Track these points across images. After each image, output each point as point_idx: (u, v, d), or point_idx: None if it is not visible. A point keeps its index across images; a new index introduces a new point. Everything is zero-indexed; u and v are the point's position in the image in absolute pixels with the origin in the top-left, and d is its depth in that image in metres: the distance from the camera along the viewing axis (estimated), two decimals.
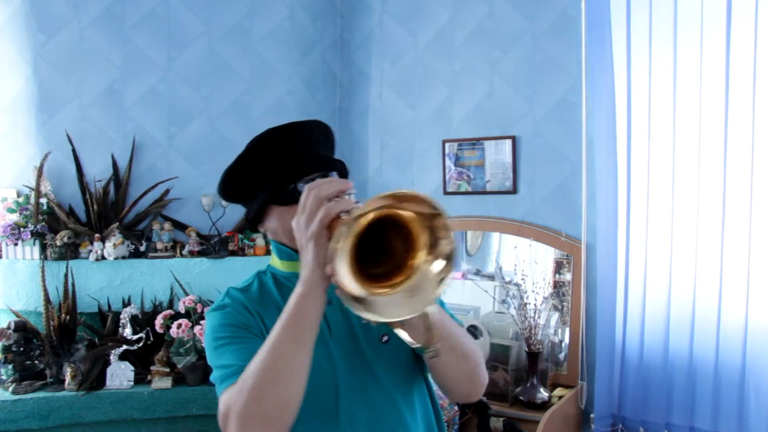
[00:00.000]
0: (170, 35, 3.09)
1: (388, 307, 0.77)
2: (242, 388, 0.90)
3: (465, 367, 1.04)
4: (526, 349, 2.61)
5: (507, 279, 2.86)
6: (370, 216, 0.77)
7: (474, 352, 1.06)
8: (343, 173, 1.14)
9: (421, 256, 0.79)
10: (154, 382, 2.73)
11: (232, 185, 1.16)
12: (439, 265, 0.79)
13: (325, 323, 1.07)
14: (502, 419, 2.51)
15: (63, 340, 2.74)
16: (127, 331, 2.75)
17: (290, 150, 1.10)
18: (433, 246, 0.79)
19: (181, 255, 2.97)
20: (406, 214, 0.78)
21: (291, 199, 1.07)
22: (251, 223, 1.19)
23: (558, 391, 2.61)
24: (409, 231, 0.80)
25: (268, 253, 3.07)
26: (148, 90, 3.07)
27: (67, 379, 2.67)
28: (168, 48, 3.09)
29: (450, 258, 0.79)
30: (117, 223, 2.91)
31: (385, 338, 1.10)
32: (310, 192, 0.90)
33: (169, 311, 2.81)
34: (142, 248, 2.97)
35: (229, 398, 0.92)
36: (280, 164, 1.10)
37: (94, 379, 2.69)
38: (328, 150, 1.20)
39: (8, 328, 2.69)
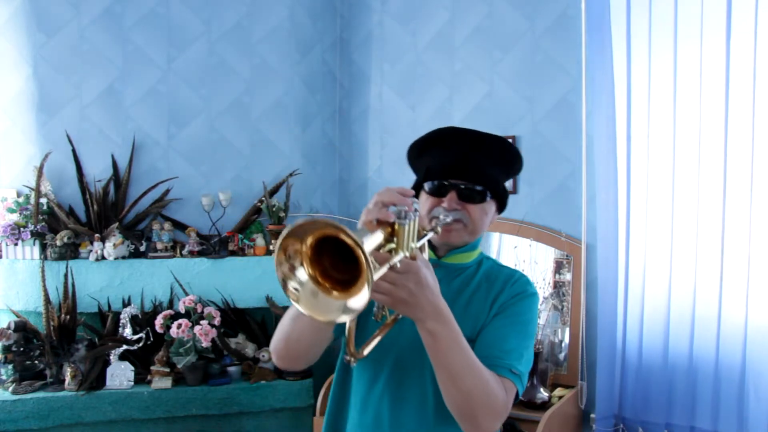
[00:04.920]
0: (170, 35, 3.09)
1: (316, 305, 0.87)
2: (277, 329, 1.21)
3: (461, 403, 1.04)
4: None
5: None
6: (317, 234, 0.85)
7: (479, 396, 1.04)
8: (494, 193, 1.22)
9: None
10: (154, 382, 2.73)
11: (410, 154, 1.31)
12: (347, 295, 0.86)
13: None
14: None
15: (63, 340, 2.74)
16: (127, 331, 2.75)
17: (453, 150, 1.22)
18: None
19: (181, 255, 2.97)
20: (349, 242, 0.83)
21: (429, 190, 1.22)
22: (414, 189, 1.28)
23: (558, 391, 2.61)
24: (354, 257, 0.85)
25: (268, 253, 3.07)
26: (148, 90, 3.07)
27: (67, 379, 2.67)
28: (168, 48, 3.09)
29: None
30: (117, 223, 2.91)
31: None
32: (379, 192, 1.01)
33: (169, 311, 2.81)
34: (142, 248, 2.97)
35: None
36: (440, 158, 1.22)
37: (94, 379, 2.69)
38: (498, 168, 1.24)
39: (8, 328, 2.69)
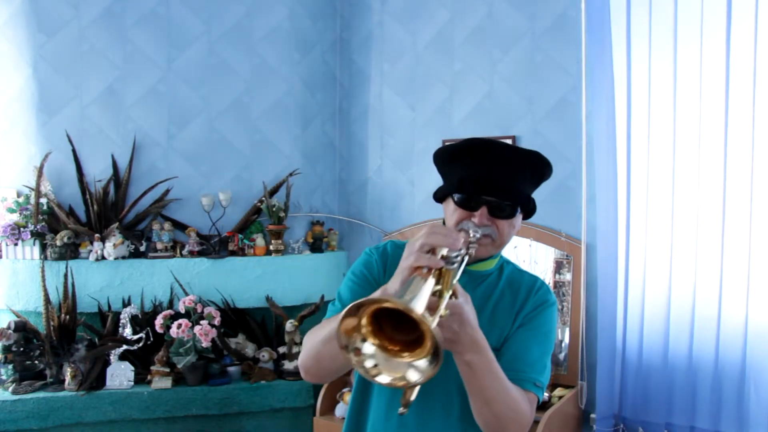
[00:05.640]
0: (170, 35, 3.09)
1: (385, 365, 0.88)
2: (306, 342, 1.21)
3: (492, 422, 1.10)
4: None
5: None
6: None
7: (509, 416, 1.09)
8: (523, 208, 1.23)
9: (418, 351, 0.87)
10: (154, 382, 2.73)
11: (440, 157, 1.29)
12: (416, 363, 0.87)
13: None
14: None
15: (63, 340, 2.74)
16: (127, 331, 2.75)
17: (487, 165, 1.20)
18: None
19: (181, 255, 2.97)
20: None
21: (457, 202, 1.21)
22: (436, 196, 1.30)
23: (558, 391, 2.61)
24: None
25: (268, 253, 3.08)
26: (148, 90, 3.07)
27: (67, 379, 2.67)
28: (168, 48, 3.09)
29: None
30: (117, 223, 2.91)
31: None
32: (427, 234, 1.01)
33: (169, 311, 2.81)
34: (142, 248, 2.97)
35: (305, 340, 1.22)
36: (472, 171, 1.20)
37: (94, 379, 2.69)
38: (527, 183, 1.24)
39: (8, 328, 2.69)
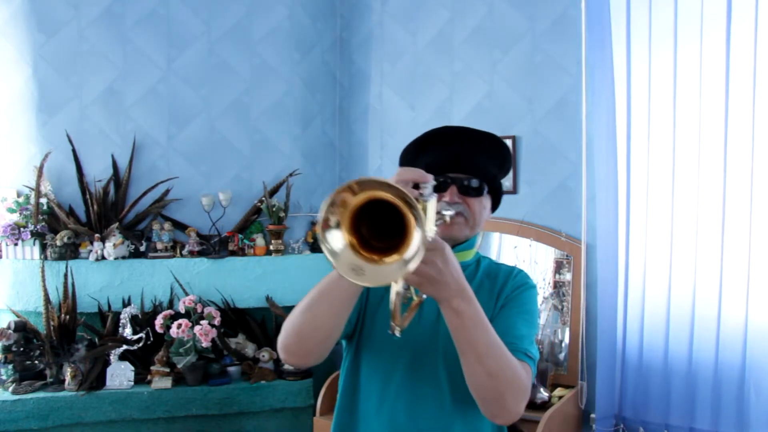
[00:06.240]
0: (170, 35, 3.09)
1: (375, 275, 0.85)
2: (285, 323, 1.15)
3: (488, 384, 1.04)
4: None
5: None
6: (362, 197, 0.84)
7: (505, 375, 1.04)
8: (491, 188, 1.27)
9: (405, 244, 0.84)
10: (154, 382, 2.73)
11: (406, 157, 1.33)
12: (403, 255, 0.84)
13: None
14: None
15: (63, 340, 2.74)
16: (127, 331, 2.75)
17: (452, 147, 1.27)
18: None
19: (181, 255, 2.97)
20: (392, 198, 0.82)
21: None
22: None
23: (558, 391, 2.61)
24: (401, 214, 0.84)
25: (268, 253, 3.08)
26: (148, 90, 3.07)
27: (67, 379, 2.67)
28: (168, 48, 3.09)
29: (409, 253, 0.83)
30: (117, 223, 2.91)
31: None
32: (397, 174, 0.99)
33: (169, 311, 2.81)
34: (142, 248, 2.97)
35: (284, 324, 1.16)
36: (438, 155, 1.25)
37: (94, 379, 2.69)
38: (492, 163, 1.29)
39: (8, 328, 2.69)
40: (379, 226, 0.86)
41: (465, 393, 1.09)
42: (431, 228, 0.93)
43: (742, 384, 2.28)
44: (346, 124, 3.53)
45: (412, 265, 0.83)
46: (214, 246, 3.05)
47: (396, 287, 0.92)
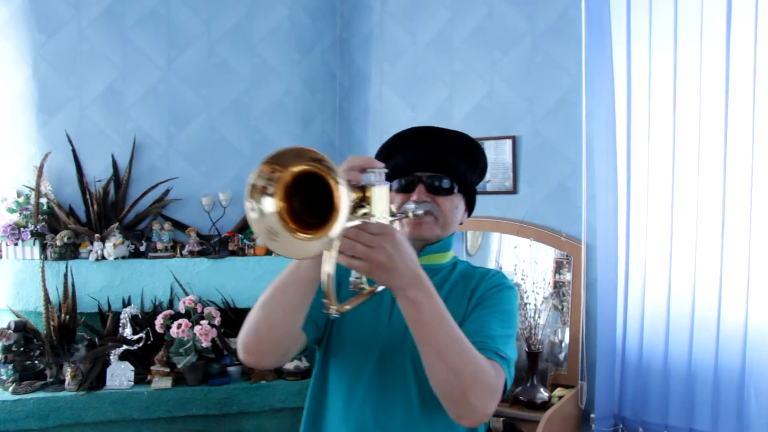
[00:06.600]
0: (170, 35, 3.09)
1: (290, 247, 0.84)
2: (244, 322, 1.10)
3: (450, 380, 0.98)
4: (526, 349, 2.61)
5: None
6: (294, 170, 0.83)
7: (468, 372, 0.99)
8: (462, 186, 1.24)
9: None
10: (154, 382, 2.73)
11: (376, 158, 1.28)
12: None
13: (390, 306, 1.20)
14: (501, 419, 2.51)
15: (63, 340, 2.74)
16: (127, 331, 2.75)
17: (419, 146, 1.25)
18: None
19: (181, 255, 2.97)
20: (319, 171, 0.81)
21: (398, 187, 1.23)
22: None
23: (558, 391, 2.61)
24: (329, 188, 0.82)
25: (268, 253, 3.07)
26: (148, 90, 3.07)
27: (67, 379, 2.67)
28: (168, 48, 3.09)
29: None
30: (117, 223, 2.91)
31: None
32: (346, 161, 0.96)
33: (169, 311, 2.81)
34: (142, 248, 2.97)
35: (243, 323, 1.12)
36: (405, 155, 1.24)
37: (94, 379, 2.69)
38: (463, 162, 1.26)
39: (8, 328, 2.69)
40: (316, 205, 0.83)
41: (434, 397, 1.04)
42: (381, 215, 0.90)
43: (742, 384, 2.28)
44: (346, 124, 3.53)
45: (333, 243, 0.81)
46: (214, 246, 3.05)
47: (326, 267, 0.88)
